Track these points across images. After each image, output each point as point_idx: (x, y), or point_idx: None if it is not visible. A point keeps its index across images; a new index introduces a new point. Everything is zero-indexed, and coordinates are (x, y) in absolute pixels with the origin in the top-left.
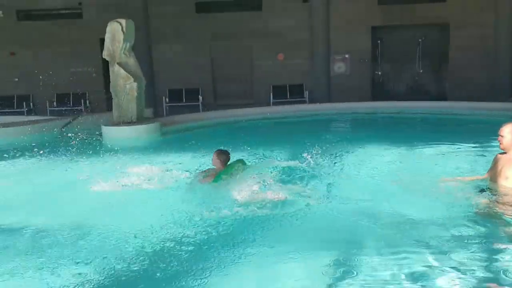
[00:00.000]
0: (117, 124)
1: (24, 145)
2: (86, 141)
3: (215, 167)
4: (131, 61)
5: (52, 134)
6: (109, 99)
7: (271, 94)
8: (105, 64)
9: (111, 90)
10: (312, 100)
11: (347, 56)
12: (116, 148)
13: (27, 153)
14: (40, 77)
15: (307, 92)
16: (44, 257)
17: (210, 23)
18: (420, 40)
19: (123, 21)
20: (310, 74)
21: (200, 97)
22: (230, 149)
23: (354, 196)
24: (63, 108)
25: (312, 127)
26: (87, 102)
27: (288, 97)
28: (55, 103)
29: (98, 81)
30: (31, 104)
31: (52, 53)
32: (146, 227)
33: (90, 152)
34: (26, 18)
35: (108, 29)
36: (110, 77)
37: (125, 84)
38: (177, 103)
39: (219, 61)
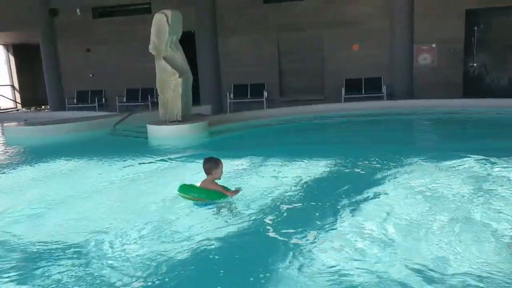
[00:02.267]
0: (163, 122)
1: (75, 142)
2: (132, 139)
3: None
4: (178, 55)
5: (104, 130)
6: None
7: (343, 88)
8: None
9: (156, 86)
10: (391, 96)
11: (434, 45)
12: (159, 148)
13: (74, 151)
14: (91, 75)
15: (384, 87)
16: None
17: (278, 14)
18: None
19: (168, 12)
20: (390, 67)
21: (265, 93)
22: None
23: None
24: (132, 103)
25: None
26: (154, 97)
27: (363, 92)
28: (125, 98)
29: None
30: (103, 99)
31: (122, 49)
32: None
33: (133, 151)
34: (100, 15)
35: (153, 21)
36: (156, 72)
37: (171, 80)
38: (242, 99)
39: (287, 54)
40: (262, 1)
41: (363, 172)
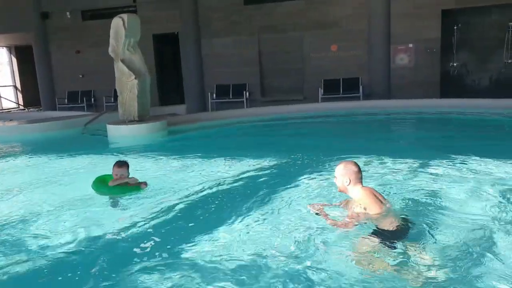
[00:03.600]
0: (122, 122)
1: (46, 140)
2: (96, 138)
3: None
4: (136, 57)
5: (77, 129)
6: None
7: (321, 89)
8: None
9: (116, 87)
10: (367, 96)
11: (411, 45)
12: (115, 146)
13: (44, 148)
14: (81, 75)
15: (361, 87)
16: None
17: (259, 15)
18: (510, 23)
19: (125, 16)
20: (368, 67)
21: (246, 93)
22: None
23: None
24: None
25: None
26: None
27: (341, 92)
28: (112, 98)
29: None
30: (92, 99)
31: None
32: None
33: (91, 149)
34: (90, 18)
35: (111, 25)
36: (115, 74)
37: (128, 82)
38: (224, 99)
39: (268, 55)
40: (242, 2)
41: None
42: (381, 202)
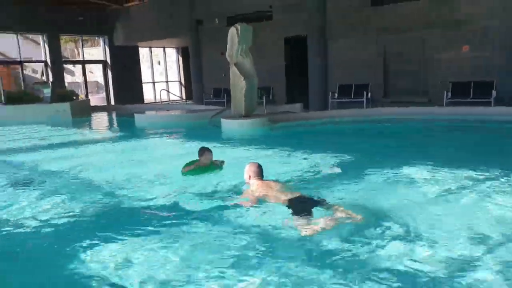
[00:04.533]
0: (232, 117)
1: (182, 127)
2: (214, 129)
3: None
4: (247, 61)
5: (203, 121)
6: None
7: (447, 92)
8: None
9: (230, 88)
10: (499, 102)
11: None
12: (224, 136)
13: (176, 133)
14: (223, 74)
15: (494, 91)
16: None
17: (385, 15)
18: None
19: (239, 26)
20: (504, 70)
21: (366, 93)
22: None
23: None
24: None
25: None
26: (271, 95)
27: (471, 96)
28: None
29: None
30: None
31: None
32: None
33: (208, 137)
34: (234, 23)
35: (228, 33)
36: (230, 76)
37: (239, 83)
38: (345, 99)
39: (392, 55)
40: (369, 3)
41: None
42: (272, 188)
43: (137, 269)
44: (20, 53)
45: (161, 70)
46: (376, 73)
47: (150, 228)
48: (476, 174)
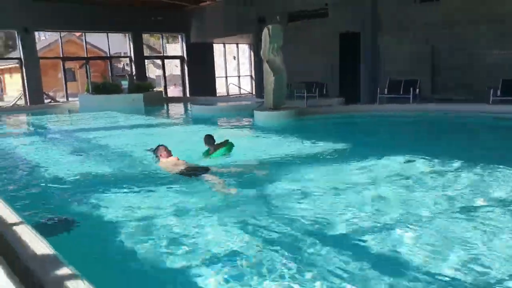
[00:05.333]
0: (264, 109)
1: (222, 117)
2: (248, 120)
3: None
4: (278, 59)
5: (247, 112)
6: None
7: (494, 90)
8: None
9: (263, 82)
10: None
11: None
12: (255, 126)
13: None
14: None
15: None
16: None
17: (434, 10)
18: None
19: (270, 27)
20: None
21: (414, 89)
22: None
23: None
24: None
25: None
26: (325, 89)
27: None
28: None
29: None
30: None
31: (301, 48)
32: None
33: (242, 126)
34: (292, 20)
35: (262, 34)
36: (263, 72)
37: (269, 78)
38: (394, 95)
39: (442, 52)
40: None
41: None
42: (175, 161)
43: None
44: (109, 49)
45: (235, 65)
46: (425, 69)
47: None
48: None
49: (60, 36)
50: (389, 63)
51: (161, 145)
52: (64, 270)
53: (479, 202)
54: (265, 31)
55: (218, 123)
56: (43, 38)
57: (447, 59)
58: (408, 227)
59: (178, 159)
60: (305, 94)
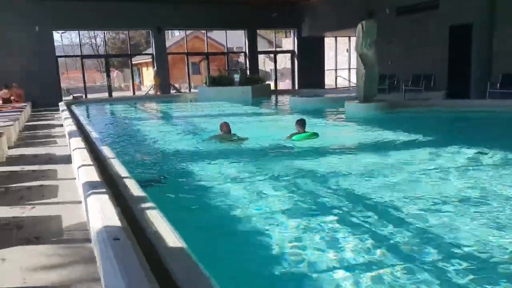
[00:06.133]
0: (355, 101)
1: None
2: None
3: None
4: (370, 53)
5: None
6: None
7: None
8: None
9: (356, 75)
10: None
11: None
12: (345, 117)
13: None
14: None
15: None
16: None
17: None
18: None
19: (364, 22)
20: None
21: None
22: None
23: None
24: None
25: None
26: (432, 82)
27: None
28: (409, 83)
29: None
30: (395, 81)
31: (411, 41)
32: None
33: (331, 116)
34: (402, 13)
35: (356, 29)
36: (356, 66)
37: (361, 71)
38: (509, 90)
39: None
40: None
41: None
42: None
43: None
44: (226, 45)
45: (347, 58)
46: None
47: None
48: None
49: (185, 34)
50: (504, 57)
51: (224, 122)
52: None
53: None
54: (359, 27)
55: (309, 114)
56: (177, 34)
57: None
58: None
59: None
60: (403, 87)
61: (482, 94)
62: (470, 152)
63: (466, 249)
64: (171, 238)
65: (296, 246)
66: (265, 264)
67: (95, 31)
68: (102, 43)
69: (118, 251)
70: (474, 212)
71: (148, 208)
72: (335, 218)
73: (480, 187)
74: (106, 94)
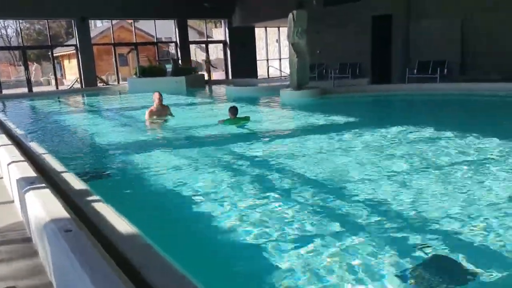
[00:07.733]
0: (288, 88)
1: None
2: (273, 98)
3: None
4: (302, 42)
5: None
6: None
7: None
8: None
9: (288, 63)
10: None
11: None
12: (280, 103)
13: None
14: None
15: None
16: None
17: None
18: None
19: (294, 12)
20: None
21: (441, 70)
22: None
23: None
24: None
25: None
26: (358, 70)
27: None
28: (337, 71)
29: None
30: (323, 71)
31: (337, 31)
32: None
33: (267, 104)
34: (328, 4)
35: (288, 18)
36: (288, 55)
37: (293, 60)
38: (422, 75)
39: (472, 33)
40: None
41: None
42: None
43: None
44: (156, 35)
45: (277, 48)
46: (454, 51)
47: None
48: None
49: (111, 24)
50: (420, 45)
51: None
52: None
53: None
54: (290, 16)
55: (247, 102)
56: (100, 25)
57: (480, 42)
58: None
59: None
60: (332, 74)
61: (402, 79)
62: (393, 129)
63: (384, 210)
64: (124, 226)
65: (235, 220)
66: (211, 240)
67: (6, 21)
68: (14, 34)
69: (73, 243)
70: (397, 179)
71: (93, 200)
72: (271, 194)
73: (402, 157)
74: (25, 90)
